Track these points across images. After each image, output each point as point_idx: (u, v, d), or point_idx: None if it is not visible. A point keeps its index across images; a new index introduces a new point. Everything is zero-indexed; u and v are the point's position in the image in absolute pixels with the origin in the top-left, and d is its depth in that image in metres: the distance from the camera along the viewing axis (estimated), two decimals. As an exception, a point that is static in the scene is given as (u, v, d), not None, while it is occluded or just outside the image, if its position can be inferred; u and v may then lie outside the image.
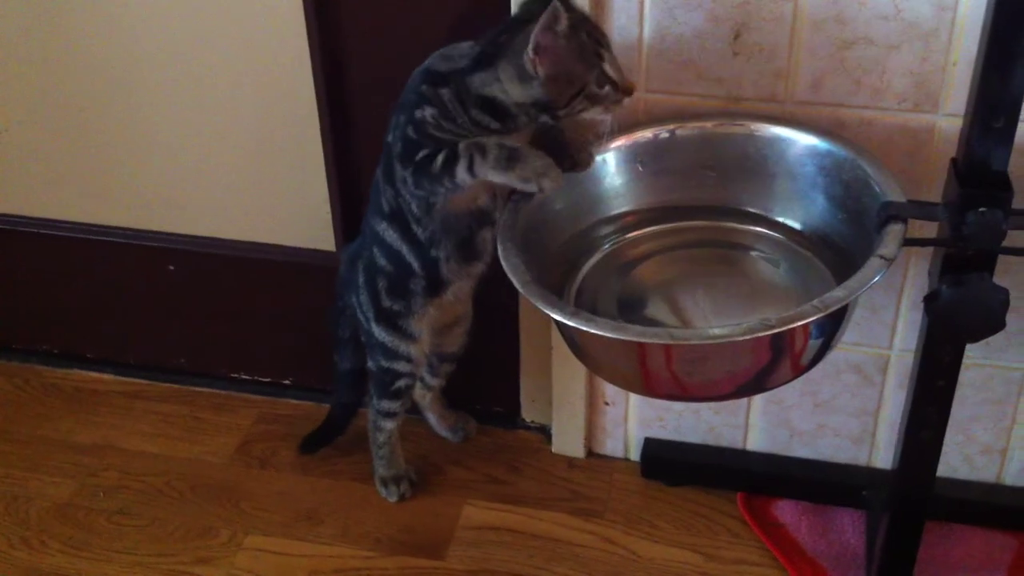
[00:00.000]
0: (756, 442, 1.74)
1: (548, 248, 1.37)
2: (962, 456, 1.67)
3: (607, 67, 1.30)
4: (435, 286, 1.50)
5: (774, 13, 1.38)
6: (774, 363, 1.23)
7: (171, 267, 1.86)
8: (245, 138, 1.71)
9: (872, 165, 1.31)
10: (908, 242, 1.21)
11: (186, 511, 1.73)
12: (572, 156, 1.39)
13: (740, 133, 1.40)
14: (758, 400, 1.69)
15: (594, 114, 1.32)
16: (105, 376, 1.99)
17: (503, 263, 1.28)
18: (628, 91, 1.32)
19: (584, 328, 1.17)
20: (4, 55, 1.73)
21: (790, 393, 1.67)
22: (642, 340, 1.15)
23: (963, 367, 1.55)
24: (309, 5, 1.55)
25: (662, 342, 1.14)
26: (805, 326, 1.16)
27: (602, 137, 1.37)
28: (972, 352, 1.55)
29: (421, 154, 1.36)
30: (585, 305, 1.35)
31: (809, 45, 1.39)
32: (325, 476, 1.78)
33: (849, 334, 1.57)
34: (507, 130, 1.34)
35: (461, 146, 1.33)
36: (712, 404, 1.71)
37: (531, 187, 1.32)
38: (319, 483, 1.77)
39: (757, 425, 1.72)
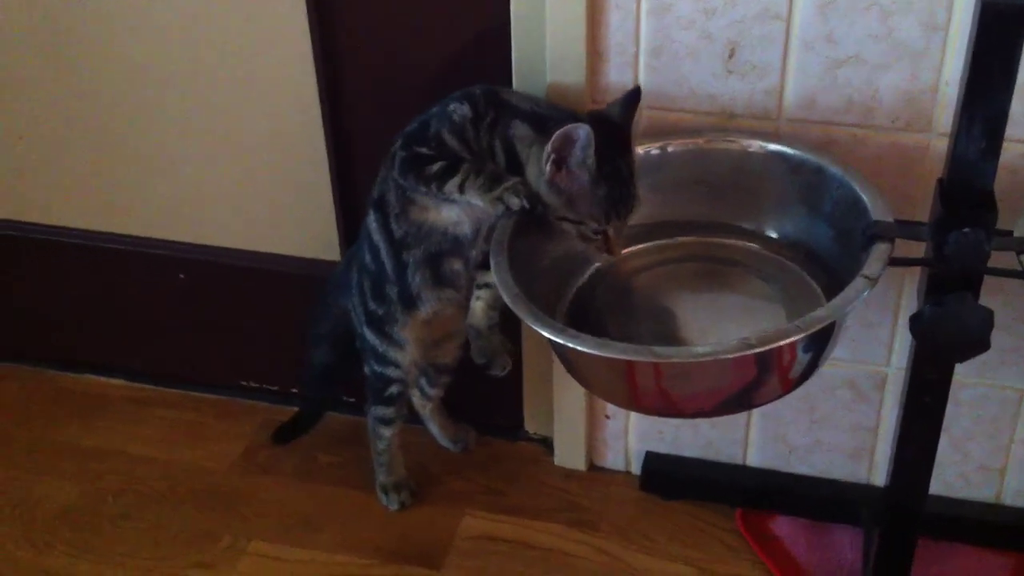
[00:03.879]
0: (754, 457, 1.74)
1: (540, 264, 1.38)
2: (959, 474, 1.67)
3: (610, 231, 1.32)
4: (408, 299, 1.52)
5: (766, 32, 1.39)
6: (760, 380, 1.24)
7: (181, 275, 1.89)
8: (252, 151, 1.74)
9: (860, 183, 1.31)
10: (893, 262, 1.22)
11: (188, 516, 1.75)
12: None
13: (731, 149, 1.41)
14: (756, 415, 1.70)
15: (572, 240, 1.34)
16: (114, 382, 2.02)
17: (494, 277, 1.29)
18: (612, 255, 1.34)
19: (569, 345, 1.18)
20: (21, 68, 1.76)
21: (786, 409, 1.67)
22: (625, 357, 1.16)
23: (958, 386, 1.57)
24: (314, 22, 1.58)
25: (644, 359, 1.15)
26: (788, 345, 1.17)
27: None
28: (967, 371, 1.55)
29: (423, 149, 1.37)
30: (576, 321, 1.36)
31: (801, 64, 1.40)
32: (326, 483, 1.80)
33: (844, 351, 1.59)
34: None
35: (464, 164, 1.35)
36: (711, 419, 1.72)
37: (499, 207, 1.33)
38: (320, 490, 1.79)
39: (755, 440, 1.72)
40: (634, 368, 1.21)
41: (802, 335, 1.15)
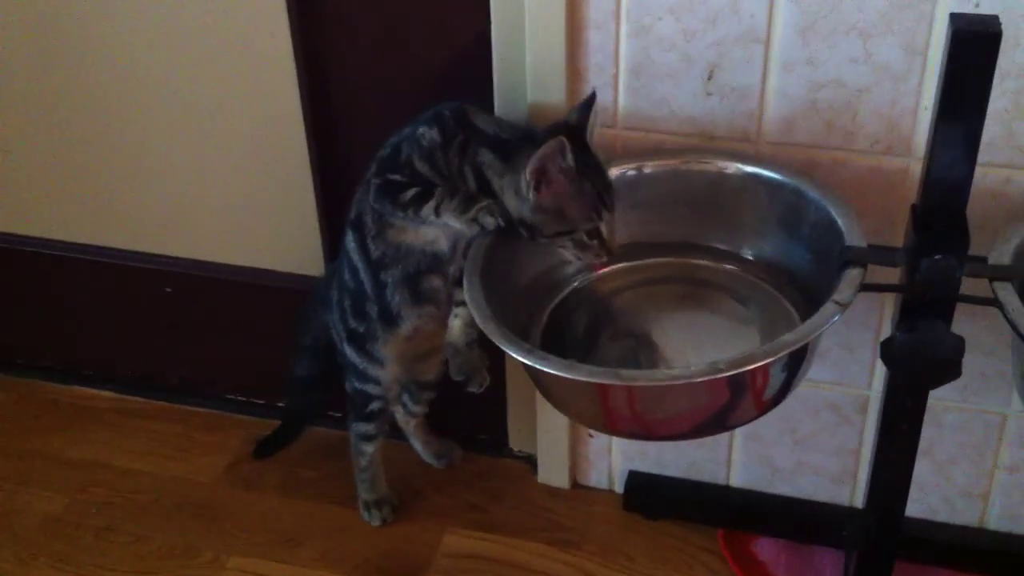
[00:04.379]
0: (737, 478, 1.74)
1: (517, 284, 1.38)
2: (942, 498, 1.66)
3: (603, 227, 1.33)
4: (388, 317, 1.52)
5: (746, 54, 1.39)
6: (732, 403, 1.23)
7: (168, 289, 1.89)
8: (237, 167, 1.75)
9: (837, 207, 1.31)
10: (865, 287, 1.21)
11: (171, 529, 1.76)
12: None
13: (709, 171, 1.41)
14: (739, 436, 1.70)
15: (568, 255, 1.35)
16: (103, 393, 2.03)
17: (466, 298, 1.29)
18: (611, 254, 1.35)
19: (536, 367, 1.18)
20: (9, 82, 1.78)
21: (769, 430, 1.67)
22: (590, 380, 1.16)
23: (942, 409, 1.57)
24: (297, 42, 1.59)
25: (609, 382, 1.15)
26: (757, 369, 1.16)
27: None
28: (950, 395, 1.55)
29: (396, 176, 1.38)
30: (553, 342, 1.36)
31: (781, 87, 1.40)
32: (308, 499, 1.80)
33: (827, 373, 1.58)
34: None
35: (438, 189, 1.36)
36: (693, 440, 1.71)
37: (475, 227, 1.34)
38: (302, 506, 1.79)
39: (739, 461, 1.72)
40: (602, 391, 1.21)
41: (770, 359, 1.15)
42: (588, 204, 1.32)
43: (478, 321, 1.25)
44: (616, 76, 1.45)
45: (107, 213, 1.86)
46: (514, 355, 1.20)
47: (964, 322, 1.44)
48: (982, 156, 1.35)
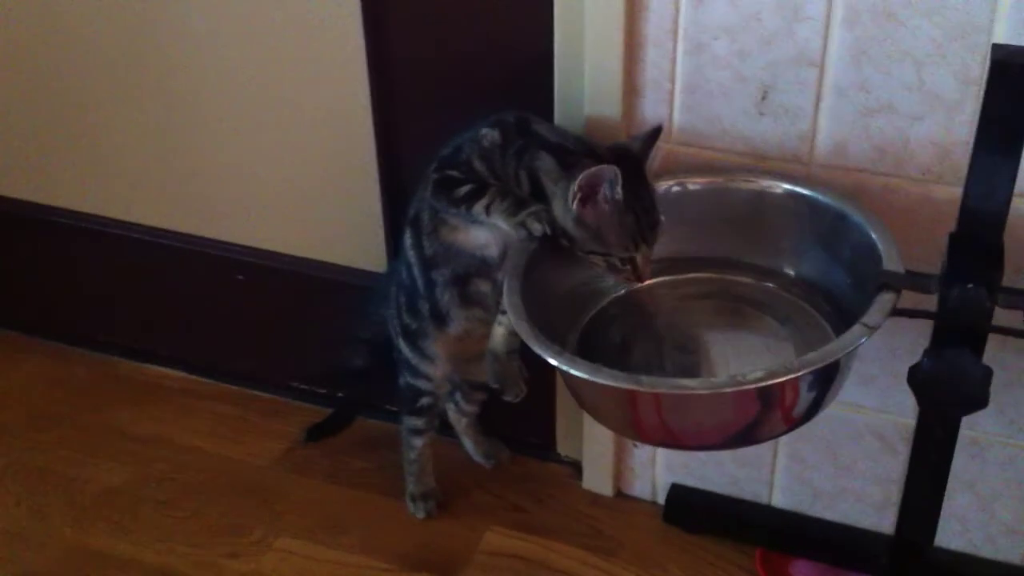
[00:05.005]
0: (779, 498, 1.74)
1: (557, 292, 1.40)
2: (985, 535, 1.64)
3: (639, 257, 1.35)
4: (438, 315, 1.56)
5: (800, 77, 1.40)
6: (758, 416, 1.25)
7: (240, 276, 1.96)
8: (308, 162, 1.82)
9: (878, 231, 1.31)
10: (897, 312, 1.22)
11: (224, 507, 1.83)
12: None
13: (752, 189, 1.43)
14: (781, 456, 1.70)
15: (600, 272, 1.38)
16: (173, 373, 2.11)
17: (504, 300, 1.33)
18: (641, 282, 1.38)
19: (562, 367, 1.21)
20: (101, 78, 1.88)
21: (811, 452, 1.67)
22: (611, 384, 1.18)
23: (987, 444, 1.56)
24: (369, 40, 1.65)
25: (628, 387, 1.17)
26: (779, 384, 1.17)
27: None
28: (997, 428, 1.54)
29: (454, 172, 1.43)
30: (588, 349, 1.39)
31: (833, 110, 1.41)
32: (357, 487, 1.85)
33: (872, 399, 1.58)
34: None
35: (492, 188, 1.40)
36: (736, 456, 1.72)
37: (522, 232, 1.37)
38: (350, 493, 1.84)
39: (780, 482, 1.72)
40: (627, 397, 1.23)
41: (791, 376, 1.16)
42: (627, 234, 1.34)
43: (512, 320, 1.29)
44: (672, 93, 1.48)
45: (187, 200, 1.95)
46: (542, 355, 1.23)
47: (1016, 355, 1.44)
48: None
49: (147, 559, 1.73)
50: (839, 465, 1.67)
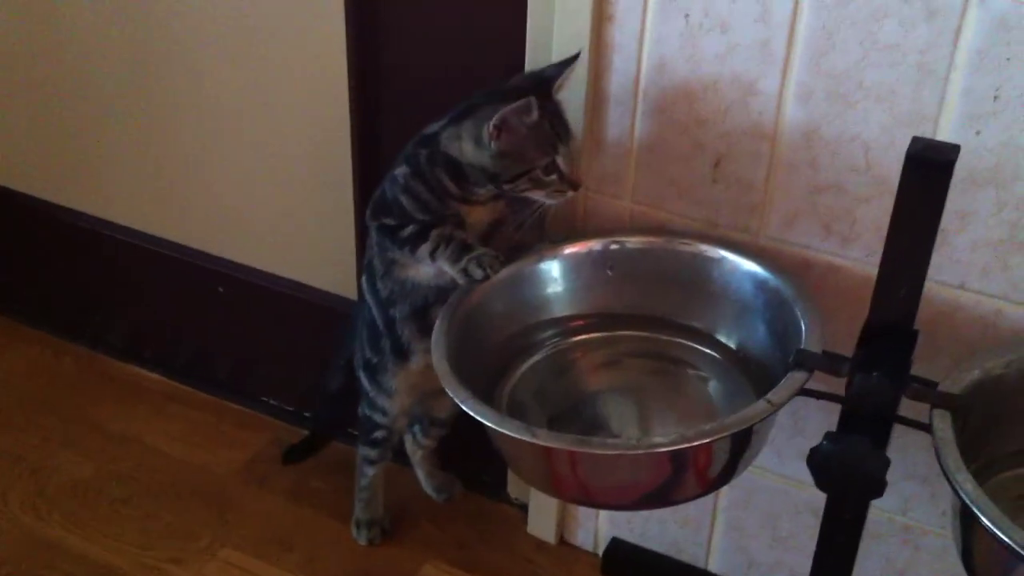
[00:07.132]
0: (715, 563, 1.74)
1: (486, 343, 1.42)
2: (917, 624, 1.62)
3: (559, 159, 1.38)
4: (399, 351, 1.59)
5: (752, 149, 1.42)
6: (665, 479, 1.25)
7: (221, 288, 2.02)
8: (288, 182, 1.86)
9: (805, 310, 1.32)
10: (805, 392, 1.22)
11: (178, 511, 1.87)
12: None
13: (692, 252, 1.44)
14: (720, 522, 1.70)
15: (536, 196, 1.40)
16: (154, 376, 2.17)
17: (432, 338, 1.35)
18: (575, 185, 1.40)
19: (470, 412, 1.23)
20: (104, 87, 1.95)
21: (750, 521, 1.67)
22: (510, 434, 1.20)
23: (921, 532, 1.54)
24: (352, 66, 1.69)
25: (521, 437, 1.19)
26: (679, 451, 1.18)
27: (540, 223, 1.44)
28: (931, 519, 1.53)
29: (389, 220, 1.46)
30: (517, 403, 1.40)
31: (783, 184, 1.42)
32: (310, 507, 1.88)
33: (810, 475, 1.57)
34: (465, 199, 1.43)
35: (434, 232, 1.43)
36: (677, 516, 1.73)
37: (463, 278, 1.40)
38: (301, 511, 1.87)
39: (718, 546, 1.72)
40: (531, 450, 1.25)
41: (686, 445, 1.17)
42: (545, 141, 1.36)
43: (434, 359, 1.31)
44: (630, 151, 1.50)
45: (174, 210, 2.01)
46: (454, 398, 1.25)
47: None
48: (976, 284, 1.36)
49: (94, 555, 1.78)
50: (777, 537, 1.66)
